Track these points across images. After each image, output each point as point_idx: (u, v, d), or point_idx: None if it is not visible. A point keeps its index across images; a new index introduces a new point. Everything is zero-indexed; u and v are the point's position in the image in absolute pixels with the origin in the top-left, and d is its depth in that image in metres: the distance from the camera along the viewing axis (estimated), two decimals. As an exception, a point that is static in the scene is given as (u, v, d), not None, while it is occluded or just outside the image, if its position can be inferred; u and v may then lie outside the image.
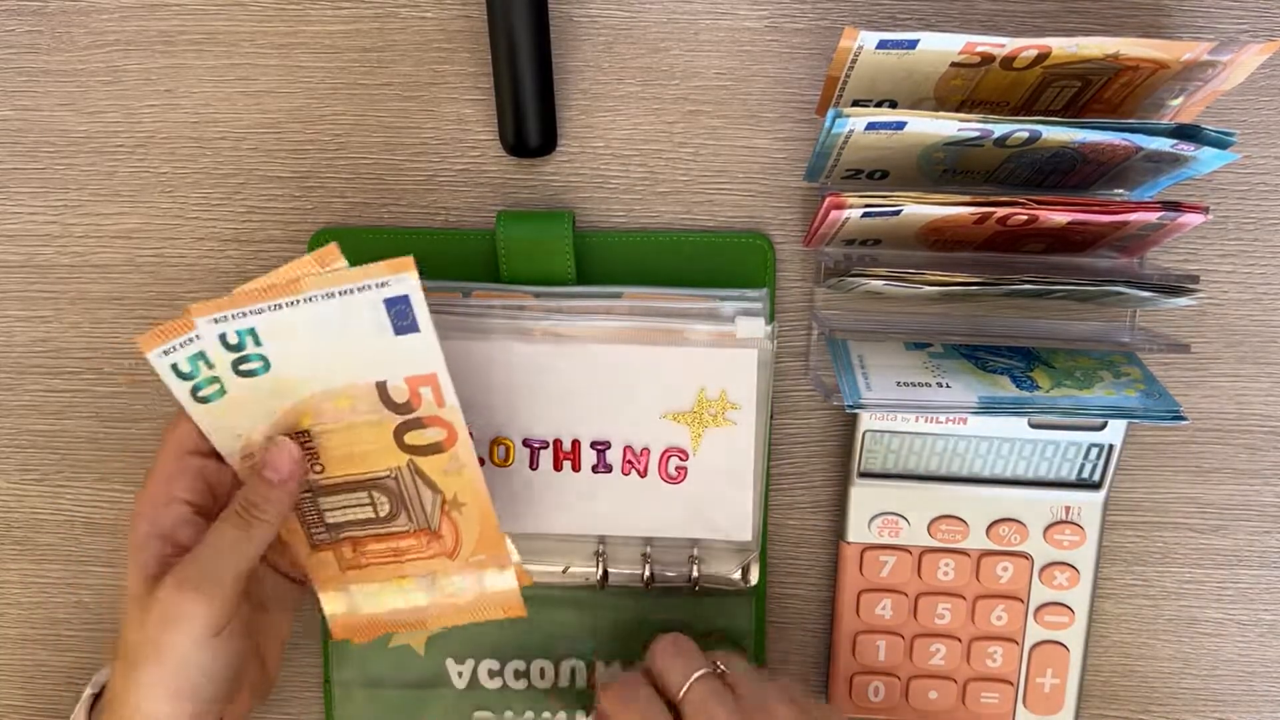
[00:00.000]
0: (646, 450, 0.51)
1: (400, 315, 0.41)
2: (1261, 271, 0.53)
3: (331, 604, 0.49)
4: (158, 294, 0.53)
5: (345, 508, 0.46)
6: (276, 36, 0.52)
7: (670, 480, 0.51)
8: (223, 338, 0.42)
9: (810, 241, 0.50)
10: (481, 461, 0.51)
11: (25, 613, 0.56)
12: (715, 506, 0.51)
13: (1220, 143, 0.43)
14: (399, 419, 0.44)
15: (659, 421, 0.51)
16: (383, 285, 0.40)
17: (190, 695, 0.42)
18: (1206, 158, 0.44)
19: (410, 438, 0.44)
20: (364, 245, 0.52)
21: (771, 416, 0.53)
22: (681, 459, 0.51)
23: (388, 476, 0.45)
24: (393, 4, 0.51)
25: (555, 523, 0.52)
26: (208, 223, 0.53)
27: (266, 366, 0.42)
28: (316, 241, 0.52)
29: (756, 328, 0.50)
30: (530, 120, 0.50)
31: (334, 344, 0.42)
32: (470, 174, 0.53)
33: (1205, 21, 0.51)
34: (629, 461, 0.51)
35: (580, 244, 0.52)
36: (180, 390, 0.43)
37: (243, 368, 0.43)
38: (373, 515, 0.46)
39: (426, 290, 0.41)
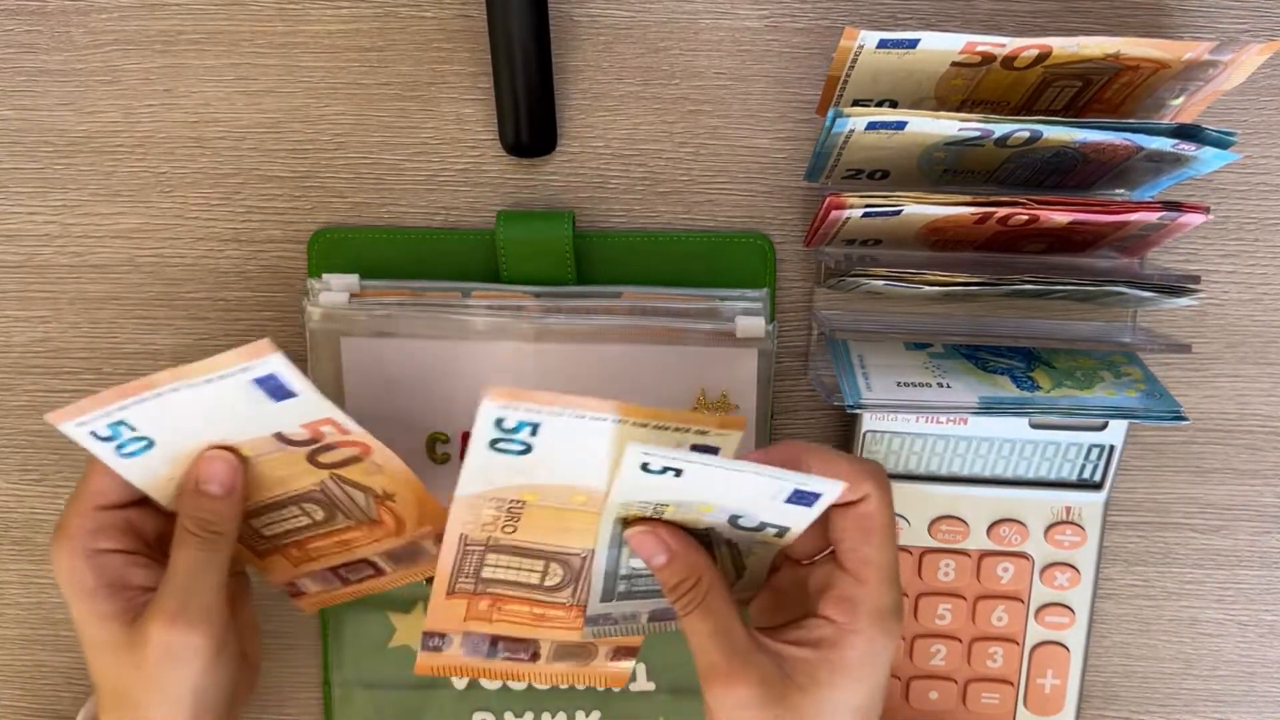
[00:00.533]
0: None
1: (274, 389, 0.40)
2: (1262, 271, 0.53)
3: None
4: (157, 294, 0.53)
5: (279, 522, 0.47)
6: (276, 36, 0.52)
7: None
8: (93, 434, 0.41)
9: (810, 241, 0.50)
10: None
11: (24, 613, 0.56)
12: None
13: (1221, 142, 0.43)
14: (307, 449, 0.44)
15: None
16: (245, 370, 0.40)
17: (208, 718, 0.42)
18: (1207, 157, 0.44)
19: (324, 457, 0.44)
20: (364, 245, 0.52)
21: (772, 416, 0.53)
22: None
23: (314, 490, 0.45)
24: (393, 4, 0.51)
25: None
26: (207, 222, 0.53)
27: (150, 445, 0.42)
28: (316, 241, 0.52)
29: (756, 327, 0.49)
30: (530, 120, 0.50)
31: (212, 415, 0.42)
32: (470, 174, 0.52)
33: (1206, 21, 0.51)
34: None
35: (580, 244, 0.52)
36: (104, 452, 0.42)
37: (123, 451, 0.42)
38: (309, 522, 0.47)
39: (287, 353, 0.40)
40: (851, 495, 0.40)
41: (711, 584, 0.41)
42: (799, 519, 0.41)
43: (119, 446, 0.42)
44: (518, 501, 0.42)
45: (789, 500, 0.40)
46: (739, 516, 0.42)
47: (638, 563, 0.44)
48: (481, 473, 0.41)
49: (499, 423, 0.39)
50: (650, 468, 0.39)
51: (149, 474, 0.44)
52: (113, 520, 0.44)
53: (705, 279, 0.52)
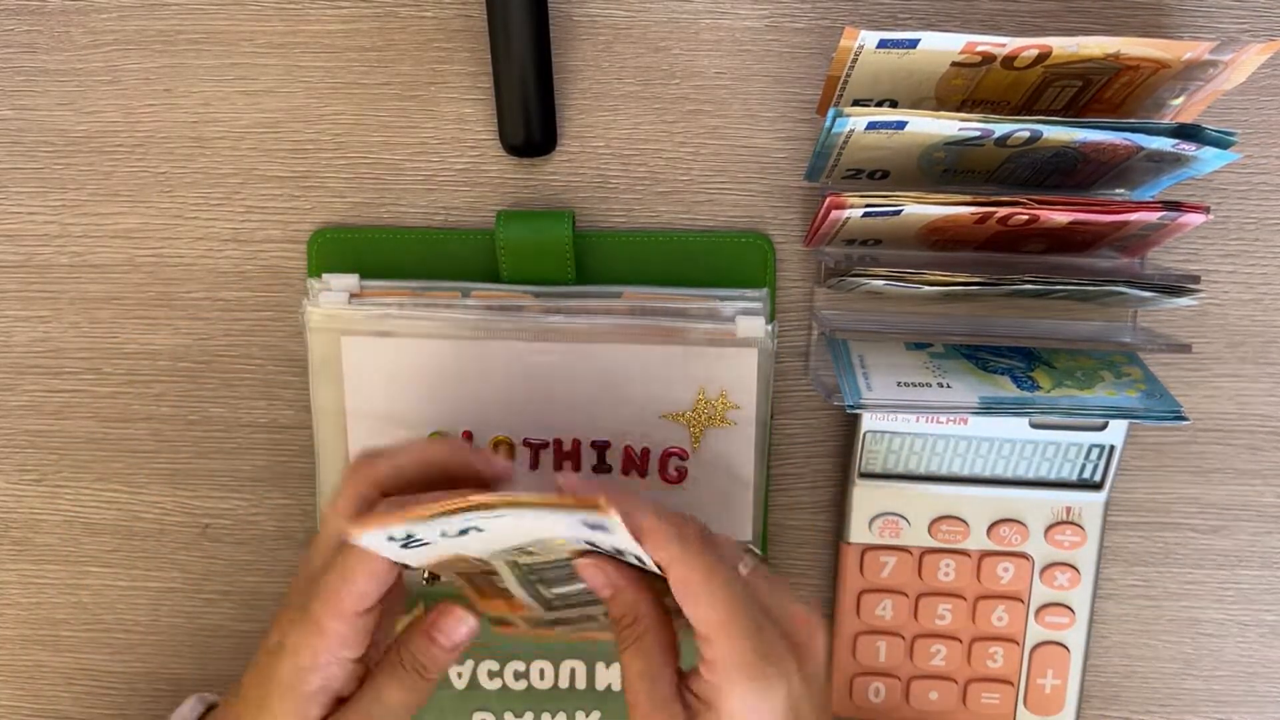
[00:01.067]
0: (647, 451, 0.51)
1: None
2: (1262, 271, 0.53)
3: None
4: (156, 294, 0.53)
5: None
6: (276, 36, 0.52)
7: (670, 481, 0.51)
8: (391, 538, 0.39)
9: (810, 241, 0.50)
10: None
11: (24, 613, 0.56)
12: (716, 507, 0.51)
13: (1221, 142, 0.43)
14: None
15: (658, 421, 0.51)
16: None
17: None
18: (1207, 157, 0.44)
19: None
20: (363, 245, 0.52)
21: (772, 417, 0.53)
22: (681, 459, 0.51)
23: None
24: (393, 4, 0.51)
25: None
26: (206, 222, 0.53)
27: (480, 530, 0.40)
28: (315, 241, 0.52)
29: (756, 327, 0.49)
30: (530, 120, 0.50)
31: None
32: (470, 174, 0.52)
33: (1206, 21, 0.51)
34: (629, 461, 0.51)
35: (580, 244, 0.52)
36: (390, 550, 0.40)
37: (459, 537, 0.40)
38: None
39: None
40: (657, 558, 0.39)
41: (650, 626, 0.41)
42: (628, 543, 0.39)
43: (405, 542, 0.40)
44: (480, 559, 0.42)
45: (592, 527, 0.38)
46: (593, 543, 0.40)
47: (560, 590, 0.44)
48: (419, 558, 0.41)
49: (390, 539, 0.38)
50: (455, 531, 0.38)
51: (428, 558, 0.42)
52: (365, 625, 0.41)
53: (705, 279, 0.52)
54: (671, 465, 0.51)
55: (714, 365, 0.50)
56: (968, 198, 0.44)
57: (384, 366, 0.51)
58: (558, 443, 0.51)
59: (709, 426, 0.51)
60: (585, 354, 0.50)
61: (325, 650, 0.41)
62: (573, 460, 0.51)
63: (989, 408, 0.46)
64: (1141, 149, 0.44)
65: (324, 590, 0.41)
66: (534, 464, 0.51)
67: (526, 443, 0.51)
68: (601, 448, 0.51)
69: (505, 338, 0.50)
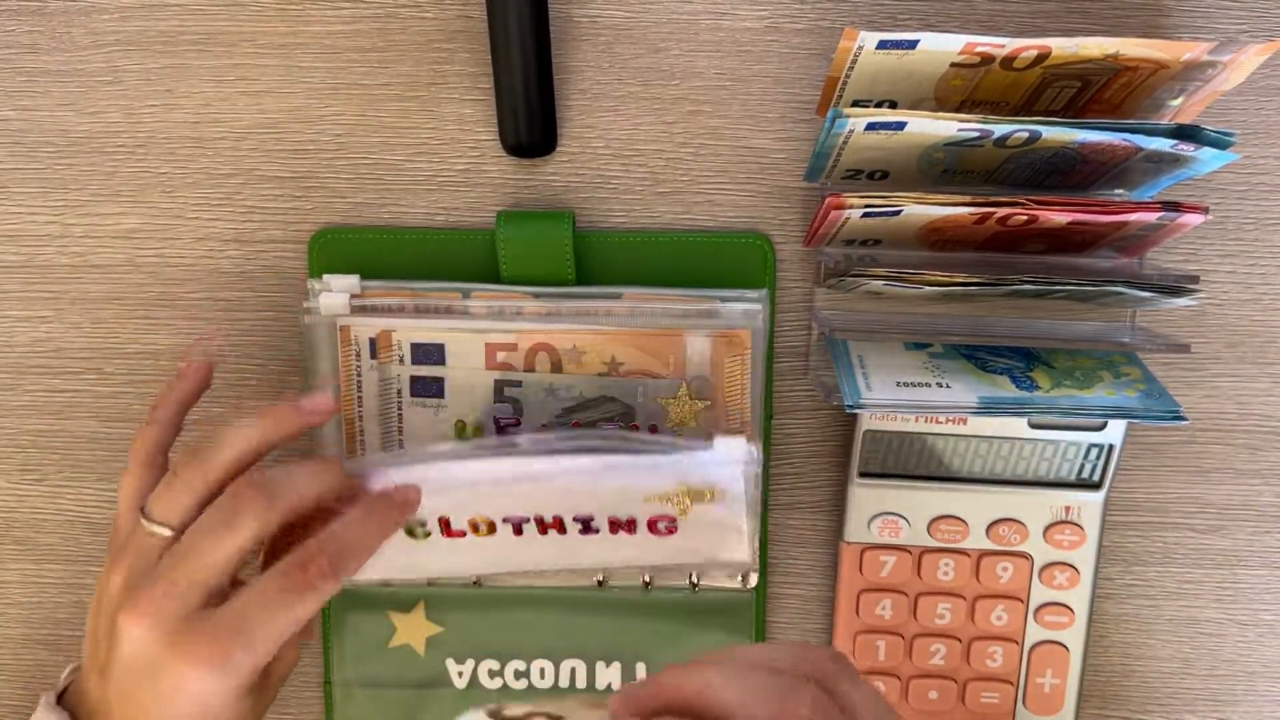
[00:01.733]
0: (633, 519, 0.49)
1: None
2: (1261, 271, 0.53)
3: None
4: (158, 294, 0.54)
5: None
6: (276, 36, 0.52)
7: (661, 535, 0.49)
8: None
9: (810, 241, 0.50)
10: (462, 534, 0.49)
11: (25, 613, 0.56)
12: (711, 549, 0.49)
13: (1220, 143, 0.43)
14: None
15: (642, 504, 0.48)
16: None
17: None
18: (1206, 158, 0.44)
19: None
20: (364, 245, 0.52)
21: (771, 417, 0.53)
22: (670, 522, 0.49)
23: None
24: (393, 4, 0.51)
25: (546, 564, 0.50)
26: (208, 223, 0.53)
27: None
28: (316, 241, 0.52)
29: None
30: (530, 120, 0.50)
31: None
32: (470, 174, 0.53)
33: (1205, 22, 0.51)
34: (614, 523, 0.49)
35: (580, 244, 0.52)
36: None
37: None
38: None
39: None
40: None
41: None
42: None
43: None
44: None
45: None
46: None
47: None
48: None
49: None
50: None
51: None
52: None
53: (705, 279, 0.52)
54: (661, 525, 0.50)
55: (696, 465, 0.47)
56: (967, 198, 0.44)
57: (384, 366, 0.51)
58: (539, 519, 0.48)
59: (696, 502, 0.48)
60: (566, 467, 0.47)
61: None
62: (557, 529, 0.49)
63: (988, 408, 0.46)
64: (1140, 149, 0.44)
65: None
66: (518, 534, 0.49)
67: (507, 520, 0.48)
68: (585, 519, 0.49)
69: (484, 458, 0.47)
